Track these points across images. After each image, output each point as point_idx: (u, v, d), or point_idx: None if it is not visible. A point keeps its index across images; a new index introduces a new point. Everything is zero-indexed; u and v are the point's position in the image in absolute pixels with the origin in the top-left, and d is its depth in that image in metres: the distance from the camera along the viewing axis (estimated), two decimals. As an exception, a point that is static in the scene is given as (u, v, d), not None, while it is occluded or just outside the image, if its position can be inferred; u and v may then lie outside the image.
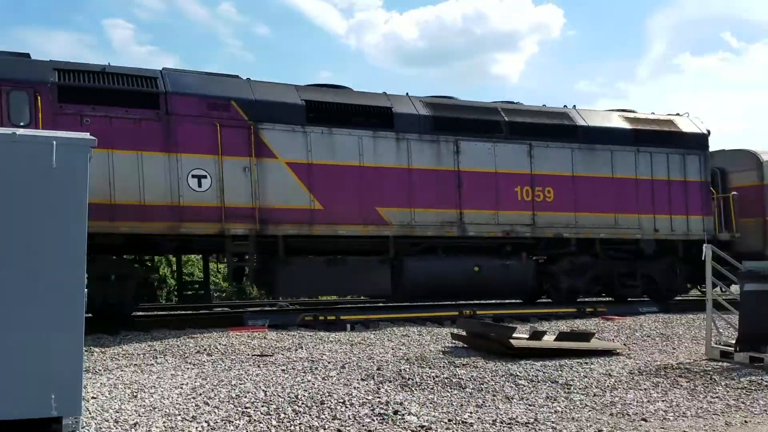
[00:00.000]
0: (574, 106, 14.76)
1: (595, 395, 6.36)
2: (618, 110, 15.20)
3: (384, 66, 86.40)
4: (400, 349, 9.08)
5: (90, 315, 10.61)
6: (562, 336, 9.09)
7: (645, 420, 5.49)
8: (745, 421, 5.49)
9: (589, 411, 5.78)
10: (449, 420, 5.34)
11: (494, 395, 6.28)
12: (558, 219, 13.63)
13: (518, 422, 5.32)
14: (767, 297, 7.78)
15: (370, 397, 6.02)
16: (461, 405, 5.87)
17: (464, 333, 9.51)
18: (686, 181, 14.77)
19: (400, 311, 12.70)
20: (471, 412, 5.61)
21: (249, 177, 11.30)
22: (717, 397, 6.33)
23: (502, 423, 5.30)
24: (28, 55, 10.80)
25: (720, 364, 8.04)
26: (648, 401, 6.13)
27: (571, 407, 5.90)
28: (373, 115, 12.44)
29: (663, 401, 6.13)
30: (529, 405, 5.94)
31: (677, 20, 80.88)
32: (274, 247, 11.56)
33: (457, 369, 7.49)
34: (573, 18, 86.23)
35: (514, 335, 8.56)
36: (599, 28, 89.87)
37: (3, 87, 10.05)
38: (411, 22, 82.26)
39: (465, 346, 9.18)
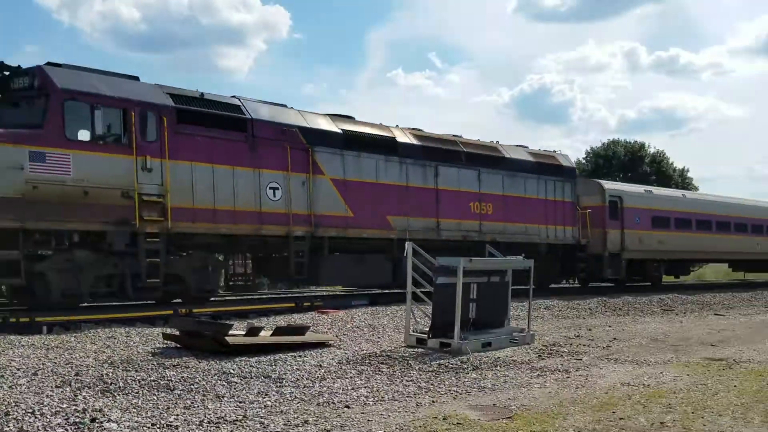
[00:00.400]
0: (498, 141, 19.29)
1: (305, 387, 6.62)
2: (521, 146, 19.94)
3: (102, 47, 79.66)
4: (104, 352, 8.45)
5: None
6: (278, 331, 9.28)
7: (348, 407, 5.86)
8: (433, 401, 6.17)
9: (298, 403, 5.99)
10: (153, 424, 5.12)
11: (204, 395, 6.18)
12: (495, 227, 17.93)
13: (227, 420, 5.30)
14: (453, 289, 8.83)
15: (64, 406, 5.49)
16: (168, 408, 5.65)
17: (177, 332, 9.16)
18: (564, 201, 20.01)
19: (107, 311, 11.76)
20: (178, 414, 5.43)
21: (306, 189, 14.17)
22: (411, 380, 7.02)
23: (209, 423, 5.22)
24: (137, 78, 12.48)
25: (416, 350, 8.94)
26: (352, 388, 6.56)
27: (282, 400, 6.05)
28: (384, 144, 15.89)
29: (365, 387, 6.61)
30: (240, 402, 5.95)
31: (392, 38, 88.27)
32: (319, 246, 14.35)
33: (167, 370, 7.20)
34: (300, 21, 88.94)
35: (231, 332, 8.49)
36: (324, 35, 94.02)
37: (135, 107, 11.77)
38: (131, 2, 77.07)
39: (178, 346, 8.86)
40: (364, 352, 8.82)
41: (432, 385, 6.84)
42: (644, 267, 23.08)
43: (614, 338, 10.69)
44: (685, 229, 24.60)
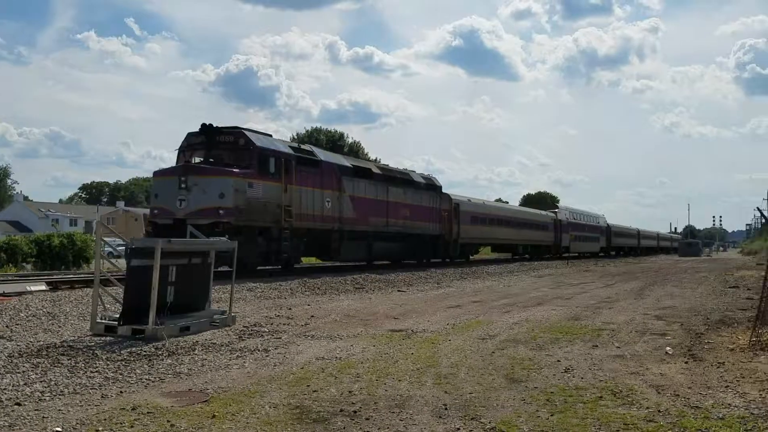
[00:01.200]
0: (413, 171, 32.69)
1: (-37, 386, 5.69)
2: (419, 173, 32.13)
3: None
4: None
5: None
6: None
7: (19, 404, 5.34)
8: (121, 392, 5.84)
9: (-46, 405, 5.13)
10: None
11: None
12: (408, 224, 28.85)
13: None
14: (149, 272, 8.39)
15: None
16: None
17: None
18: (436, 208, 31.81)
19: None
20: None
21: (338, 202, 23.64)
22: (97, 371, 6.57)
23: None
24: (271, 135, 21.91)
25: (105, 338, 8.37)
26: (25, 384, 5.98)
27: (-69, 403, 5.12)
28: (366, 173, 26.19)
29: (41, 382, 6.05)
30: None
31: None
32: (341, 236, 23.85)
33: None
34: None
35: None
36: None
37: (283, 156, 20.59)
38: None
39: None
40: (41, 343, 7.99)
41: (121, 374, 6.47)
42: (465, 248, 36.56)
43: (312, 316, 11.26)
44: (484, 224, 38.61)
